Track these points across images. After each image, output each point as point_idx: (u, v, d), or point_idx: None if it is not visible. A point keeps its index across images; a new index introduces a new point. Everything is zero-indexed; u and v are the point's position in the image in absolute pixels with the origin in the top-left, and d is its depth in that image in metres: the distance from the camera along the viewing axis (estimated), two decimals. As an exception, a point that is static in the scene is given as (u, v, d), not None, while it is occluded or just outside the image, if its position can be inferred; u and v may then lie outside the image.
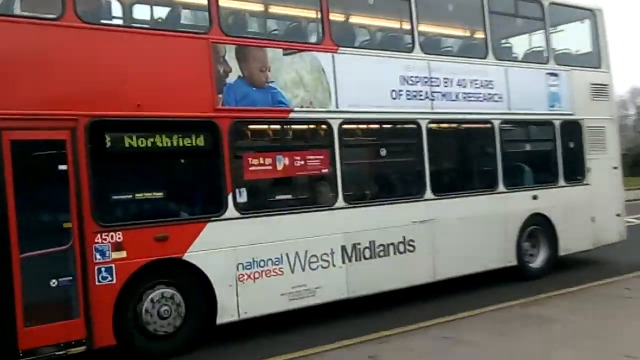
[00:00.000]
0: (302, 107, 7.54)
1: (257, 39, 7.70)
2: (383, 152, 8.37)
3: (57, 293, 6.08)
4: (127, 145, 6.46)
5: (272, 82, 7.34)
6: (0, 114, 5.76)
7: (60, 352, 6.05)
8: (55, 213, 6.15)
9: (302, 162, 7.53)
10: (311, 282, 7.47)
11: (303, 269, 7.41)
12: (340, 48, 7.88)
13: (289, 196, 7.63)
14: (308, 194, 7.84)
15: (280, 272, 7.24)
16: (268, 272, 7.16)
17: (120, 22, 6.87)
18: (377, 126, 8.50)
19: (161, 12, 7.44)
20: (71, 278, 6.11)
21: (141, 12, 7.53)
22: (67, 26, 6.16)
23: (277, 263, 7.22)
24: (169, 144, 6.70)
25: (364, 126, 8.36)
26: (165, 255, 6.53)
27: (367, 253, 7.95)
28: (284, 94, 7.42)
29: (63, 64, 6.15)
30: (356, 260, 7.85)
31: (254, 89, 7.23)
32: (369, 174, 8.70)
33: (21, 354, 5.86)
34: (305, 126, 7.87)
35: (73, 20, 6.17)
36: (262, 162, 7.24)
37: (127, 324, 6.38)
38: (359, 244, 7.86)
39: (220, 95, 6.96)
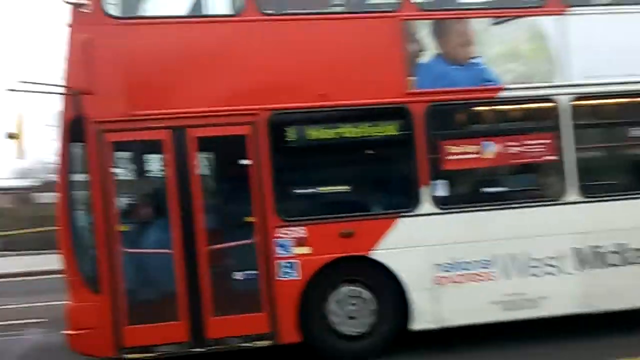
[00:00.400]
0: (516, 83, 7.08)
1: (459, 10, 7.48)
2: (637, 132, 7.37)
3: (242, 286, 6.79)
4: (309, 137, 6.88)
5: (476, 57, 7.06)
6: (187, 112, 6.69)
7: (246, 344, 6.75)
8: (238, 207, 6.83)
9: (518, 149, 7.05)
10: (533, 290, 6.97)
11: (520, 275, 6.97)
12: (570, 8, 7.16)
13: (501, 189, 7.20)
14: (526, 186, 7.29)
15: (490, 277, 6.92)
16: (474, 276, 6.91)
17: (298, 10, 7.36)
18: (627, 100, 7.45)
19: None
20: (255, 272, 6.76)
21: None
22: (247, 21, 6.82)
23: (485, 266, 6.92)
24: (355, 134, 6.92)
25: (607, 101, 7.40)
26: (350, 253, 6.79)
27: (614, 259, 7.10)
28: (493, 70, 7.05)
29: (243, 59, 6.79)
30: (598, 267, 7.07)
31: (454, 67, 7.03)
32: (616, 161, 7.69)
33: (209, 342, 6.71)
34: (521, 105, 7.26)
35: (254, 14, 6.80)
36: (465, 150, 7.00)
37: (313, 322, 6.77)
38: (599, 247, 7.05)
39: (412, 78, 6.95)
